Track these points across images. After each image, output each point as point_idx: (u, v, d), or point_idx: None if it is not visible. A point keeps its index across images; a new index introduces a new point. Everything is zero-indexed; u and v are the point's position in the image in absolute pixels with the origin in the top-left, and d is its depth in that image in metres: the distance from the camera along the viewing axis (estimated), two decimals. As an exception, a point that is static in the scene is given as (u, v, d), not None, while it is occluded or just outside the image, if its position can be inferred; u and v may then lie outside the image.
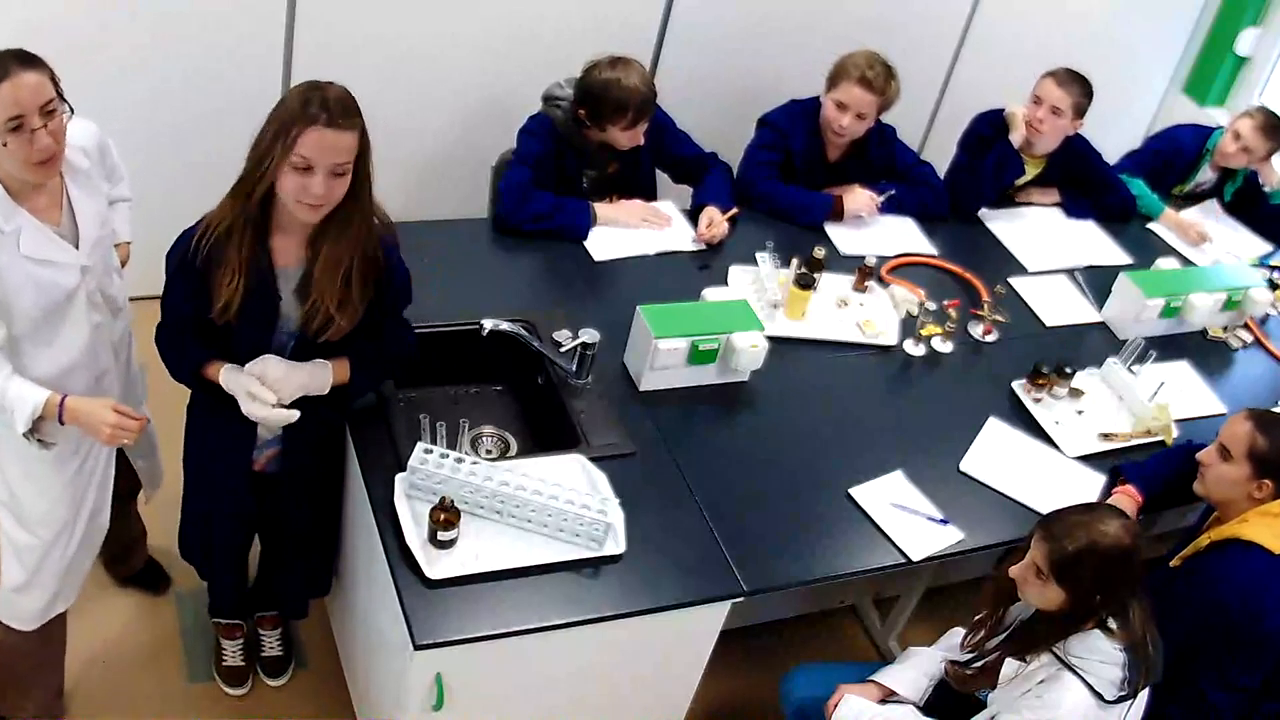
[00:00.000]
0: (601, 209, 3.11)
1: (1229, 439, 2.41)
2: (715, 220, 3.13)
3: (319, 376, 2.16)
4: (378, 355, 2.27)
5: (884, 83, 3.20)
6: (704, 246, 3.13)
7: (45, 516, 2.25)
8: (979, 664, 2.22)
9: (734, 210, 3.18)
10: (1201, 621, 2.27)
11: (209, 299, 2.04)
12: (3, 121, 1.85)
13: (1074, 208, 3.70)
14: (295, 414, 2.13)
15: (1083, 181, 3.71)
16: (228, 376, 2.12)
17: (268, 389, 2.10)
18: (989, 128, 3.57)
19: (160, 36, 3.23)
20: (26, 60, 1.87)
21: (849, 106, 3.23)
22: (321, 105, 1.89)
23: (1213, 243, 3.76)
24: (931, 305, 3.04)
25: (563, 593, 2.09)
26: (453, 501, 2.07)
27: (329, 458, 2.40)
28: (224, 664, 2.75)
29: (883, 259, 3.21)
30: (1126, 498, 2.55)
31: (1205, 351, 3.24)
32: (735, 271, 3.05)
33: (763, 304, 2.90)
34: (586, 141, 3.08)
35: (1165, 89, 4.93)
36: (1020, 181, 3.67)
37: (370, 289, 2.12)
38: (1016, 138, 3.48)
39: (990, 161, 3.51)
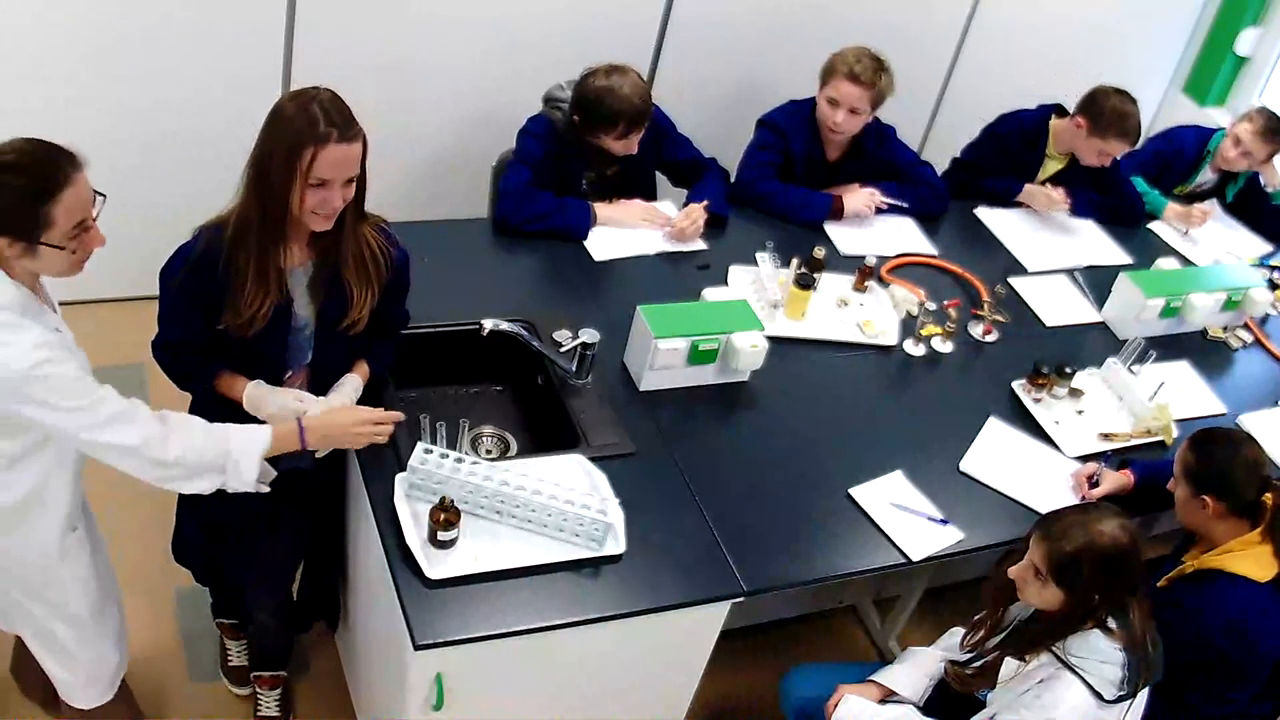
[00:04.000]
0: (601, 209, 3.11)
1: (1175, 465, 2.40)
2: (692, 214, 3.11)
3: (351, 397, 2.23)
4: (383, 346, 2.31)
5: (873, 75, 3.19)
6: (697, 246, 3.12)
7: (95, 604, 2.16)
8: (979, 664, 2.22)
9: (706, 202, 3.14)
10: (1190, 648, 2.23)
11: (217, 314, 2.03)
12: (71, 228, 1.75)
13: (1080, 207, 3.69)
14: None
15: (1097, 182, 3.71)
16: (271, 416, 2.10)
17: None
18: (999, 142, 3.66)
19: (160, 44, 3.24)
20: (77, 162, 1.76)
21: (840, 102, 3.23)
22: (328, 121, 1.88)
23: (1213, 216, 3.80)
24: (931, 305, 3.04)
25: (563, 593, 2.09)
26: (453, 501, 2.07)
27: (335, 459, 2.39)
28: (229, 664, 2.75)
29: (883, 259, 3.21)
30: (1121, 475, 2.57)
31: (1205, 351, 3.24)
32: (735, 271, 3.05)
33: (763, 304, 2.90)
34: (586, 144, 3.07)
35: (1165, 89, 4.92)
36: (1041, 178, 3.68)
37: (378, 272, 2.14)
38: (1027, 199, 3.63)
39: (997, 186, 3.62)
